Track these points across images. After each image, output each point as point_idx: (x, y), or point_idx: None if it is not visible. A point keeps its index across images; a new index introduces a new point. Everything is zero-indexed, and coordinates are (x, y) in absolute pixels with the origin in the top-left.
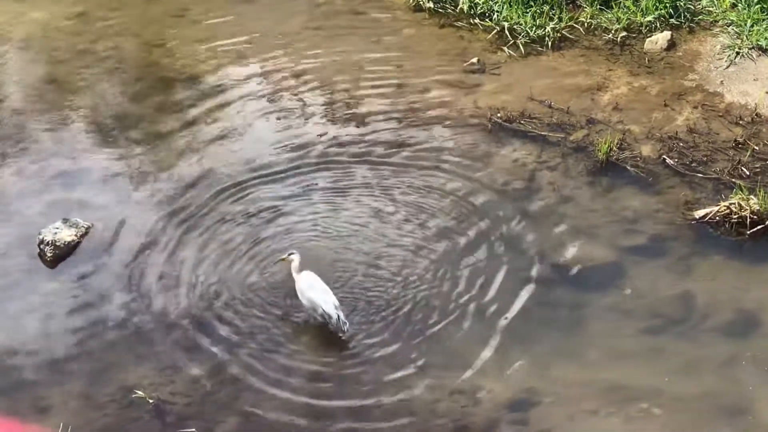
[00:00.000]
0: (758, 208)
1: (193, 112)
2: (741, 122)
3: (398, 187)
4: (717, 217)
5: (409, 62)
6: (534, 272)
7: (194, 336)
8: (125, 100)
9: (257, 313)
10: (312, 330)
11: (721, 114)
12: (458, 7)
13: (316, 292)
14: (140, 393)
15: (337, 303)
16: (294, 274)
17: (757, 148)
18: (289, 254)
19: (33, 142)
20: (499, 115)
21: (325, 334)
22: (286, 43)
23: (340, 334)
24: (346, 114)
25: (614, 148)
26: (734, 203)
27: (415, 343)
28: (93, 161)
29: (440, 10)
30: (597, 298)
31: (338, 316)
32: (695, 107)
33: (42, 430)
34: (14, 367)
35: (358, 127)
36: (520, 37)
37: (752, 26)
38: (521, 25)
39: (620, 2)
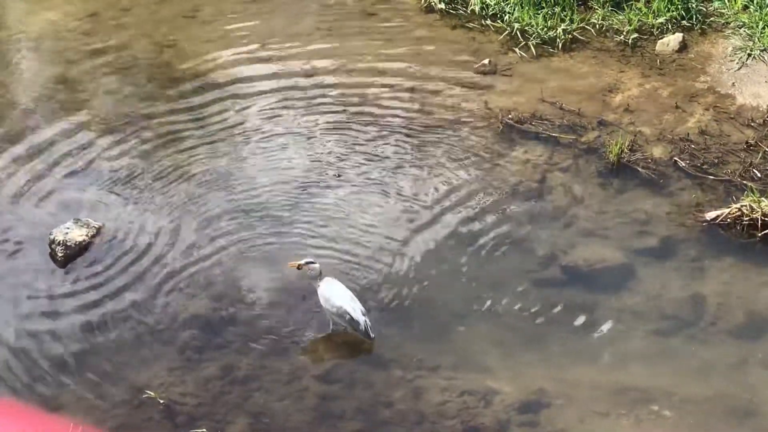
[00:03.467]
0: None
1: (204, 112)
2: (752, 124)
3: (408, 187)
4: (728, 219)
5: (421, 63)
6: (544, 273)
7: (205, 336)
8: (136, 100)
9: (268, 314)
10: (322, 330)
11: (732, 116)
12: (470, 9)
13: (343, 300)
14: (151, 393)
15: (363, 310)
16: (314, 282)
17: None
18: (307, 262)
19: (44, 142)
20: (510, 116)
21: (334, 336)
22: (298, 44)
23: (367, 340)
24: (358, 115)
25: (625, 149)
26: (745, 205)
27: (425, 344)
28: (104, 161)
29: (452, 12)
30: (607, 299)
31: (365, 322)
32: (707, 109)
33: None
34: (25, 367)
35: (369, 128)
36: (532, 38)
37: (764, 28)
38: (533, 26)
39: (632, 4)
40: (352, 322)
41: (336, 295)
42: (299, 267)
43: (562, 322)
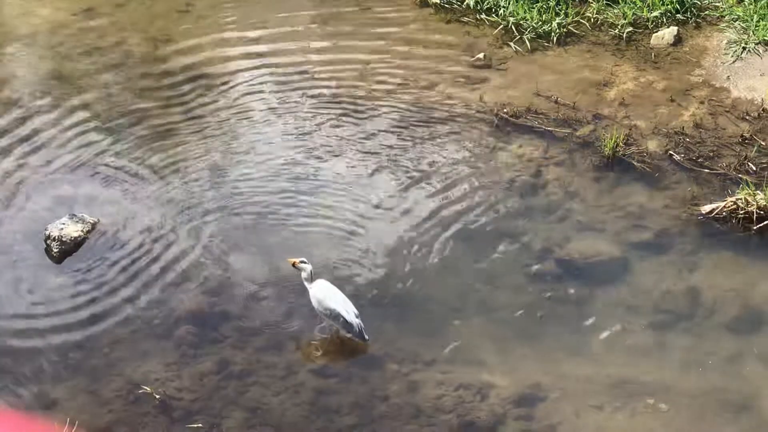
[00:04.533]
0: (765, 203)
1: (199, 107)
2: (747, 117)
3: (402, 181)
4: (723, 213)
5: (416, 58)
6: (540, 267)
7: (200, 331)
8: (131, 95)
9: (264, 308)
10: (318, 327)
11: (727, 109)
12: (464, 3)
13: (335, 302)
14: (147, 388)
15: (356, 311)
16: (306, 284)
17: (763, 143)
18: (301, 261)
19: (39, 138)
20: (505, 110)
21: (330, 332)
22: (292, 39)
23: (361, 342)
24: (352, 109)
25: (620, 143)
26: (741, 198)
27: (420, 339)
28: (99, 157)
29: (446, 6)
30: (603, 293)
31: (359, 324)
32: (702, 102)
33: (48, 424)
34: (20, 363)
35: (363, 122)
36: (527, 32)
37: (759, 21)
38: (527, 20)
39: None
40: (346, 324)
41: (328, 298)
42: (294, 265)
43: (557, 315)
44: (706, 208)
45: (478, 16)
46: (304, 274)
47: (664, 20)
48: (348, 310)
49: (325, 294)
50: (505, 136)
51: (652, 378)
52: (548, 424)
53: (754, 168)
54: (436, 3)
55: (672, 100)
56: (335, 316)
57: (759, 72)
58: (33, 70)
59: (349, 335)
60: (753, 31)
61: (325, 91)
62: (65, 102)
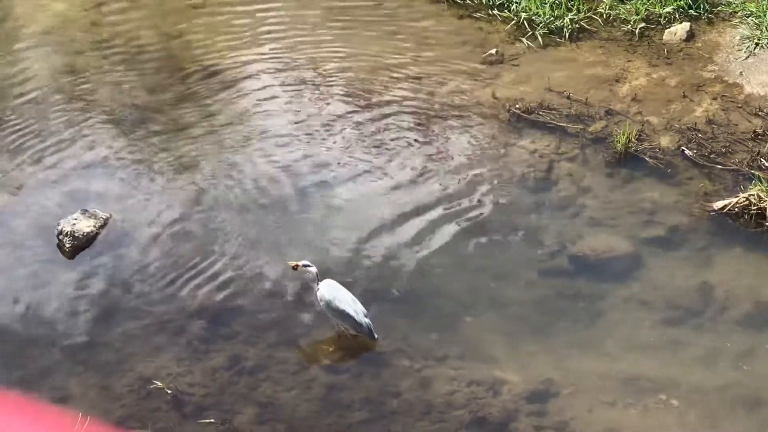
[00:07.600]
0: None
1: (212, 103)
2: (760, 113)
3: (414, 177)
4: (736, 209)
5: (428, 53)
6: (552, 263)
7: (212, 326)
8: (144, 91)
9: (276, 304)
10: (329, 321)
11: (740, 105)
12: None
13: (344, 303)
14: (158, 383)
15: (365, 311)
16: (313, 285)
17: None
18: (304, 265)
19: (51, 133)
20: (517, 106)
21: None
22: (305, 35)
23: (371, 340)
24: (364, 105)
25: (633, 139)
26: (753, 194)
27: (432, 335)
28: (111, 152)
29: (459, 2)
30: (615, 289)
31: (368, 324)
32: (714, 98)
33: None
34: (33, 357)
35: (375, 117)
36: (539, 28)
37: None
38: (539, 16)
39: None
40: (355, 324)
41: (336, 298)
42: (295, 268)
43: (569, 311)
44: (718, 204)
45: (490, 12)
46: (309, 276)
47: (677, 16)
48: (357, 310)
49: (333, 295)
50: (518, 131)
51: (664, 374)
52: (560, 420)
53: (767, 164)
54: None
55: (684, 96)
56: (345, 317)
57: None
58: (46, 65)
59: (359, 334)
60: (766, 27)
61: (337, 86)
62: (77, 97)
